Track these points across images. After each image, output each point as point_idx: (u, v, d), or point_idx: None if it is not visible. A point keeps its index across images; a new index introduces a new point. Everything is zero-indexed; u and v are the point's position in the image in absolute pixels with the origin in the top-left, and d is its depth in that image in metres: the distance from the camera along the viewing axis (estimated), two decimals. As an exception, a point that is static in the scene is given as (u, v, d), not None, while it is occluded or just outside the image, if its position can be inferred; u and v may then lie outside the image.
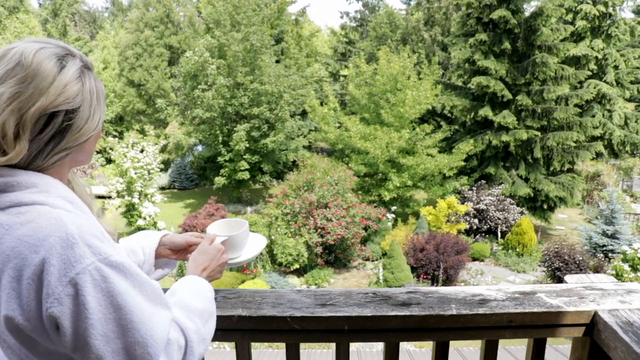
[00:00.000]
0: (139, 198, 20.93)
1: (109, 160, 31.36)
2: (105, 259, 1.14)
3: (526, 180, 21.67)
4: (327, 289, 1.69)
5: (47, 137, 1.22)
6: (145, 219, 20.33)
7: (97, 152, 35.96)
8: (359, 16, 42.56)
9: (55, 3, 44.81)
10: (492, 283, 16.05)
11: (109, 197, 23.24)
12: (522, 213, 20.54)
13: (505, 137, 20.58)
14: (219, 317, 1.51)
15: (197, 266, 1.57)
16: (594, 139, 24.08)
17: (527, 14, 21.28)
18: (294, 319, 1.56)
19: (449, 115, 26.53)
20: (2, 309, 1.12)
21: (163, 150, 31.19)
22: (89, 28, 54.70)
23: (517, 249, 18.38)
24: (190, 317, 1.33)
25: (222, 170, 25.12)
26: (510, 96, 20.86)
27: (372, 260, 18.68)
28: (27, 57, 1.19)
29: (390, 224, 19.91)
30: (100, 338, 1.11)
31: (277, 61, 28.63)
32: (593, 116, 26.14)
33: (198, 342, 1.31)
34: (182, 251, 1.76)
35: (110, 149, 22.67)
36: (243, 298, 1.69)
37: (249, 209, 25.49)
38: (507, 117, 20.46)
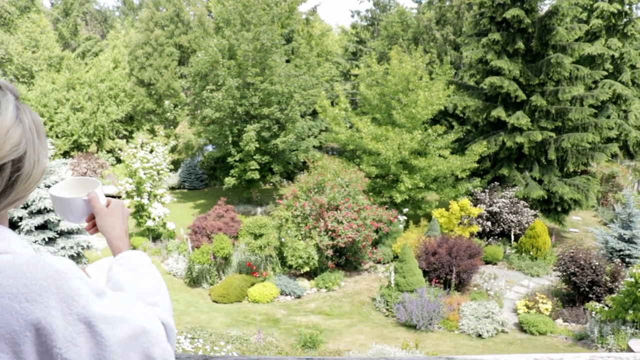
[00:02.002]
0: (148, 199, 20.81)
1: (119, 160, 31.29)
2: (96, 288, 1.09)
3: (540, 182, 21.32)
4: (340, 358, 1.44)
5: None
6: (154, 219, 20.23)
7: (108, 152, 35.97)
8: (370, 15, 42.26)
9: (66, 2, 44.83)
10: (505, 287, 15.78)
11: (119, 197, 23.16)
12: (535, 216, 20.23)
13: (519, 139, 20.24)
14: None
15: (119, 236, 1.47)
16: (609, 140, 23.64)
17: (541, 13, 20.90)
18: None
19: (461, 115, 26.21)
20: None
21: (173, 150, 31.12)
22: (100, 27, 54.75)
23: (531, 253, 18.11)
24: (151, 302, 1.28)
25: (232, 171, 24.97)
26: (524, 97, 20.52)
27: (384, 263, 18.47)
28: None
29: (401, 226, 19.68)
30: (122, 359, 1.06)
31: (288, 61, 28.42)
32: (608, 117, 25.68)
33: (169, 317, 1.28)
34: None
35: (119, 149, 22.56)
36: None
37: (259, 209, 25.33)
38: (520, 118, 20.12)
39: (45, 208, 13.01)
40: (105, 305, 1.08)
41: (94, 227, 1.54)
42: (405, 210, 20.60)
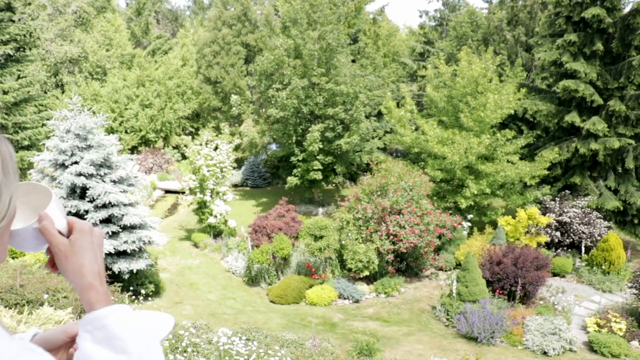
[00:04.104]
0: (211, 196, 21.01)
1: (185, 156, 31.87)
2: None
3: (615, 192, 20.20)
4: None
5: None
6: (216, 217, 20.40)
7: (174, 148, 36.76)
8: (438, 15, 41.54)
9: (139, 2, 46.14)
10: (574, 302, 14.97)
11: (182, 193, 23.58)
12: (609, 227, 19.20)
13: (593, 145, 19.23)
14: None
15: (90, 285, 1.06)
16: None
17: (624, 11, 19.71)
18: None
19: (531, 120, 25.21)
20: None
21: (237, 148, 31.44)
22: (170, 26, 56.14)
23: (603, 267, 17.15)
24: None
25: (295, 170, 24.96)
26: (600, 101, 19.47)
27: (445, 270, 17.96)
28: None
29: (465, 232, 19.10)
30: None
31: (354, 61, 28.16)
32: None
33: None
34: (63, 348, 1.22)
35: (185, 145, 22.92)
36: None
37: (320, 210, 25.20)
38: (597, 124, 19.10)
39: (110, 202, 13.24)
40: None
41: (55, 265, 1.11)
42: (470, 216, 19.96)
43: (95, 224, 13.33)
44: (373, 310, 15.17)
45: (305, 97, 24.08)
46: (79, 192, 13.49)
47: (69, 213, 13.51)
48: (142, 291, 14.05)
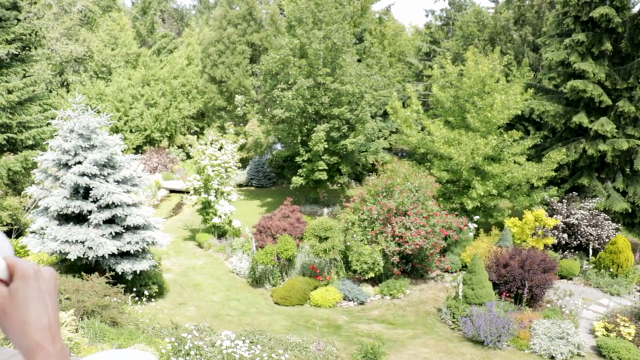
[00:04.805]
0: (215, 196, 20.92)
1: (189, 156, 31.80)
2: None
3: (623, 193, 19.98)
4: None
5: None
6: (220, 217, 20.30)
7: (178, 147, 36.70)
8: (444, 15, 41.37)
9: (145, 1, 46.07)
10: (582, 306, 14.78)
11: (187, 192, 23.50)
12: (617, 230, 18.98)
13: (602, 146, 19.01)
14: None
15: (37, 345, 0.82)
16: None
17: (634, 10, 19.45)
18: None
19: (538, 120, 25.00)
20: None
21: (242, 147, 31.35)
22: (176, 25, 56.07)
23: (611, 269, 16.96)
24: None
25: (300, 170, 24.84)
26: (609, 102, 19.25)
27: (451, 272, 17.81)
28: None
29: (471, 234, 18.93)
30: None
31: (359, 60, 27.99)
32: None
33: None
34: None
35: (190, 145, 22.84)
36: None
37: (325, 210, 25.07)
38: (605, 125, 18.88)
39: (113, 203, 13.14)
40: None
41: None
42: (476, 217, 19.79)
43: (98, 225, 13.23)
44: (378, 313, 15.03)
45: (310, 96, 23.95)
46: (82, 193, 13.39)
47: (72, 213, 13.43)
48: (146, 292, 13.97)
